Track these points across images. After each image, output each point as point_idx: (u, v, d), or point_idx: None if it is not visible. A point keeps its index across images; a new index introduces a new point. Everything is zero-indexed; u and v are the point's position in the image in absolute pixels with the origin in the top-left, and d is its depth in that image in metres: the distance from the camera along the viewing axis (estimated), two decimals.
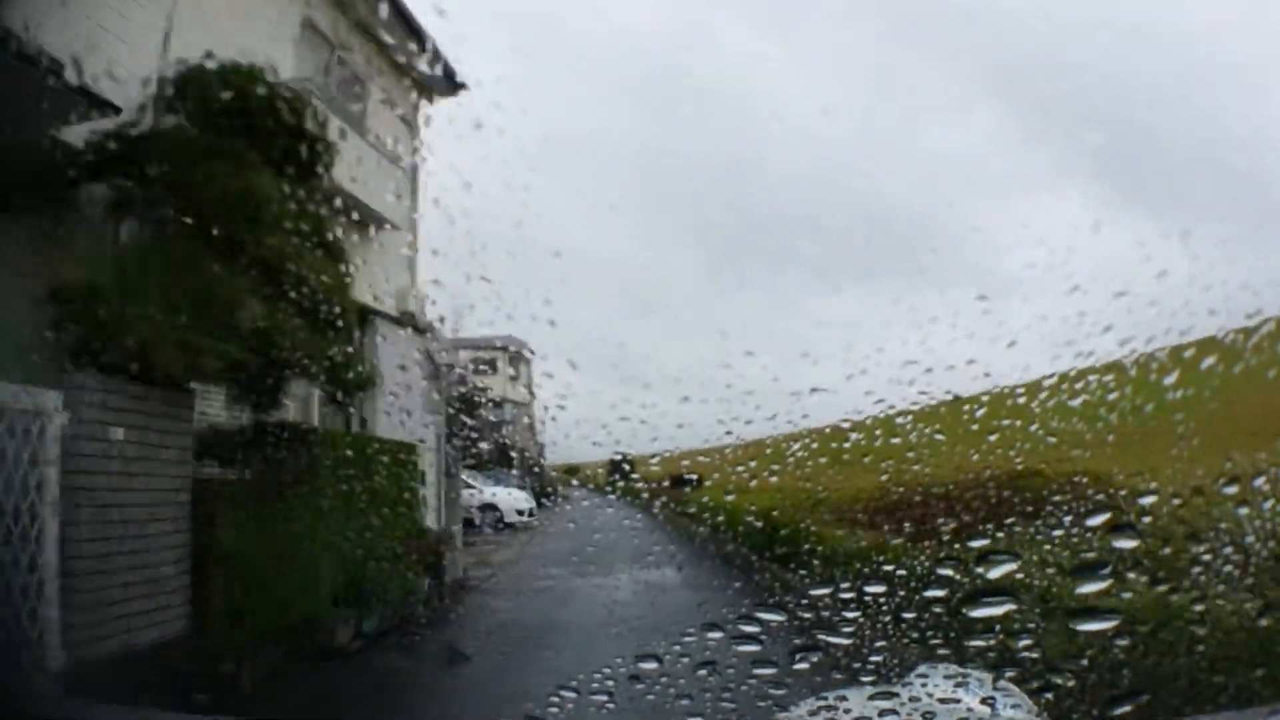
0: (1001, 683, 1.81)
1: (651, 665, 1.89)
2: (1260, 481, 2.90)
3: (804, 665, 1.80)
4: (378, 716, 5.70)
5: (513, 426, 48.48)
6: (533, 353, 50.92)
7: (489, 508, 25.25)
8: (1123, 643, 2.32)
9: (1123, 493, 3.46)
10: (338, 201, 7.83)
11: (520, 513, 25.93)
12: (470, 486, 23.68)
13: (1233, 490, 2.91)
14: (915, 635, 2.35)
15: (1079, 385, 4.67)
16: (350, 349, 7.48)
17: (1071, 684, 1.96)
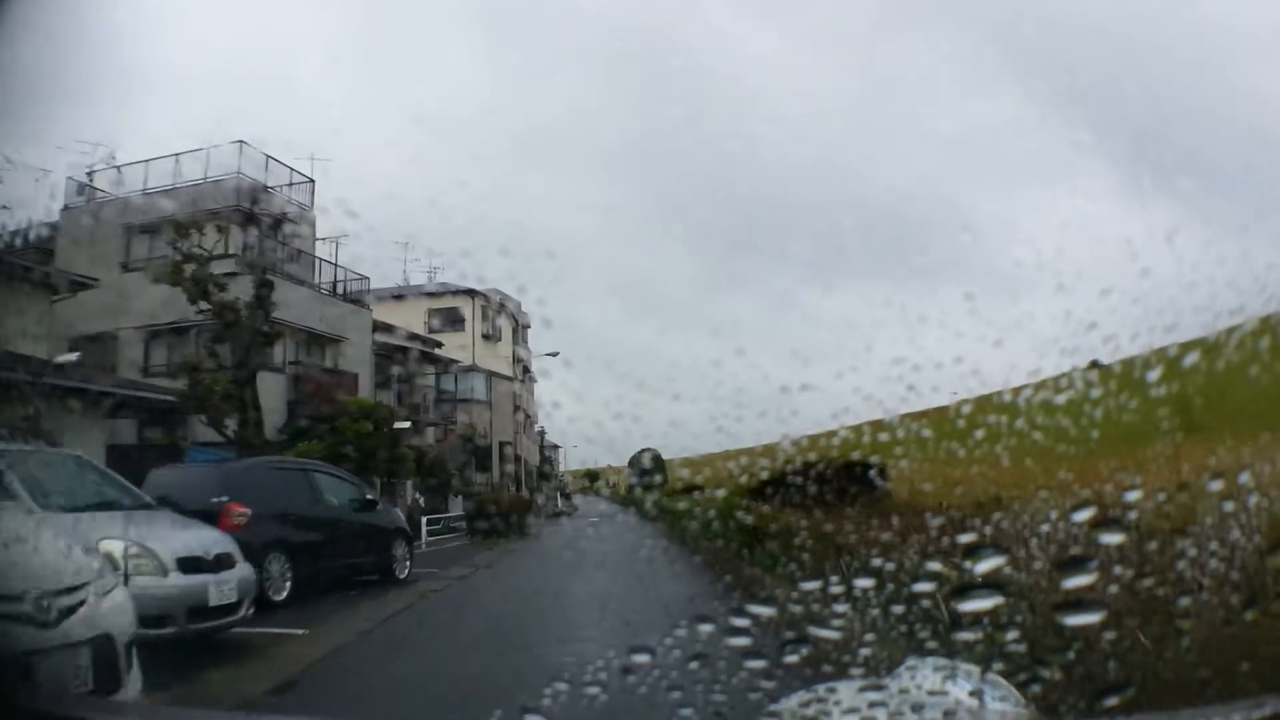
0: (989, 675, 1.82)
1: (644, 658, 1.89)
2: (1245, 476, 2.93)
3: (794, 658, 1.80)
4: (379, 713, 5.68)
5: (490, 408, 32.72)
6: (526, 319, 37.73)
7: None
8: (1109, 636, 2.34)
9: (1108, 488, 3.49)
10: None
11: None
12: None
13: (1218, 485, 2.94)
14: (904, 629, 2.36)
15: (1064, 382, 4.70)
16: None
17: (1058, 676, 1.97)
